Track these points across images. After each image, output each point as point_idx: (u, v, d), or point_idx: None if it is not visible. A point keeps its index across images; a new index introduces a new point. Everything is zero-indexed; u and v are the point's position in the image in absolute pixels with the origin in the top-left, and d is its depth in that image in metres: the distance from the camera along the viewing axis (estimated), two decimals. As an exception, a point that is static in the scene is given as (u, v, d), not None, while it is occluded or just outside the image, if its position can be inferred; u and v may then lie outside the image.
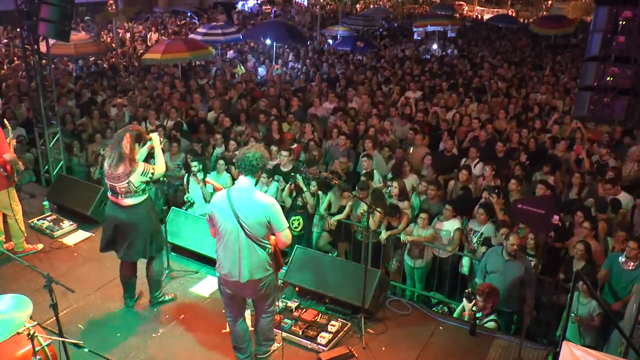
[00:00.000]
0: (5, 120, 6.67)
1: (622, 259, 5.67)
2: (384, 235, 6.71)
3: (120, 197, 4.96)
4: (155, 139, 5.22)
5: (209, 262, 6.29)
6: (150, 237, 5.14)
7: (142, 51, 17.74)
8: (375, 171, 7.91)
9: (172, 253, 6.37)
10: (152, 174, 5.00)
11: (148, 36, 21.79)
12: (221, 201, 4.27)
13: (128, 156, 4.85)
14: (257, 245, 4.21)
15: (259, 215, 4.16)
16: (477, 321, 5.51)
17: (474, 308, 5.60)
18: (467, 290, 5.87)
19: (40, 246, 6.57)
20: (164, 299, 5.55)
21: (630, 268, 5.58)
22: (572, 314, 5.31)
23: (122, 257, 5.26)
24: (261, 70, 16.14)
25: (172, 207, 6.19)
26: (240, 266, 4.23)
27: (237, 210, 4.16)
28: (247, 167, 4.19)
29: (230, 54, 18.80)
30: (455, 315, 6.02)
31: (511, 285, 5.67)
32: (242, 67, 15.99)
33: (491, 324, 5.52)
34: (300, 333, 5.11)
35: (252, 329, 4.76)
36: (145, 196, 5.09)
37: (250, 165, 4.18)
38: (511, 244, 5.69)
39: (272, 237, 4.35)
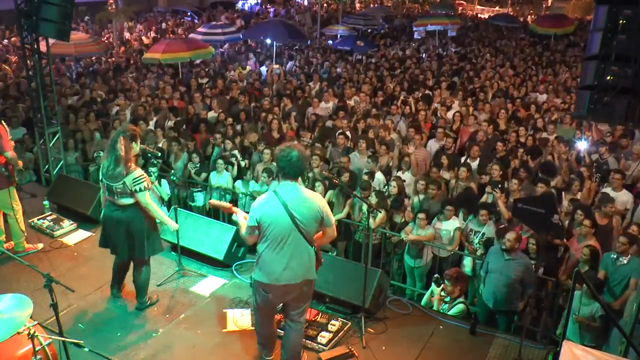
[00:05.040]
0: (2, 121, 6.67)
1: (613, 255, 5.71)
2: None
3: (116, 197, 5.01)
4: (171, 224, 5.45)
5: (210, 261, 6.30)
6: (142, 238, 5.14)
7: (141, 49, 17.77)
8: (378, 172, 7.93)
9: (172, 252, 6.37)
10: (144, 189, 4.97)
11: (147, 35, 21.81)
12: (271, 204, 4.10)
13: (124, 158, 4.90)
14: (308, 244, 4.15)
15: (314, 210, 4.09)
16: (446, 305, 5.69)
17: (442, 293, 5.75)
18: (435, 276, 6.07)
19: (40, 246, 6.57)
20: (150, 303, 5.54)
21: (623, 263, 5.63)
22: (574, 315, 5.32)
23: (115, 254, 5.35)
24: (263, 70, 16.17)
25: (173, 207, 6.18)
26: (295, 267, 4.15)
27: (291, 209, 4.05)
28: (298, 172, 4.10)
29: (226, 49, 18.88)
30: (423, 302, 6.08)
31: (511, 285, 5.68)
32: (241, 68, 15.98)
33: (460, 307, 5.69)
34: (301, 332, 5.10)
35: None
36: None
37: (297, 168, 4.08)
38: (508, 240, 5.70)
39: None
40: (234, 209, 4.49)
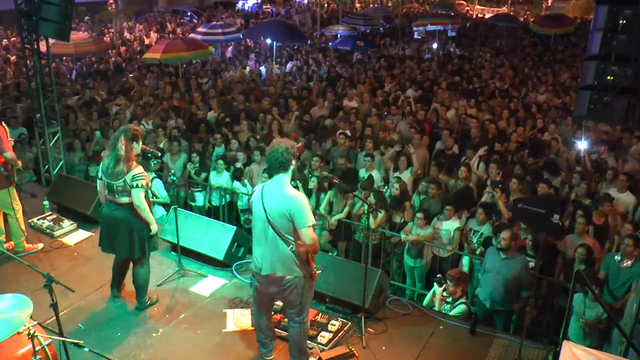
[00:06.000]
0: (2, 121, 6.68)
1: (617, 257, 5.68)
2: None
3: (116, 196, 5.03)
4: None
5: (210, 261, 6.30)
6: (141, 237, 5.15)
7: (140, 49, 17.79)
8: (375, 171, 7.93)
9: (172, 252, 6.37)
10: (145, 186, 5.00)
11: (148, 35, 21.84)
12: (257, 194, 4.34)
13: (124, 158, 4.93)
14: (280, 240, 4.17)
15: (282, 207, 4.12)
16: (448, 305, 5.69)
17: (444, 293, 5.76)
18: (438, 276, 6.06)
19: (40, 246, 6.57)
20: (150, 303, 5.54)
21: (627, 265, 5.60)
22: (581, 319, 5.31)
23: (115, 254, 5.36)
24: (263, 70, 16.18)
25: (173, 207, 6.18)
26: (264, 259, 4.26)
27: (264, 202, 4.18)
28: (278, 165, 4.17)
29: (230, 50, 18.90)
30: (425, 302, 6.09)
31: (508, 284, 5.68)
32: (242, 67, 15.99)
33: (462, 307, 5.70)
34: (301, 332, 5.10)
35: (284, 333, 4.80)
36: None
37: (279, 163, 4.16)
38: (503, 239, 5.70)
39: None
40: None
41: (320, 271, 4.44)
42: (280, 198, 4.16)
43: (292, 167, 4.25)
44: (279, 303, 4.99)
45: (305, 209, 4.14)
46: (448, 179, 7.91)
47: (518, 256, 5.82)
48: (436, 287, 5.98)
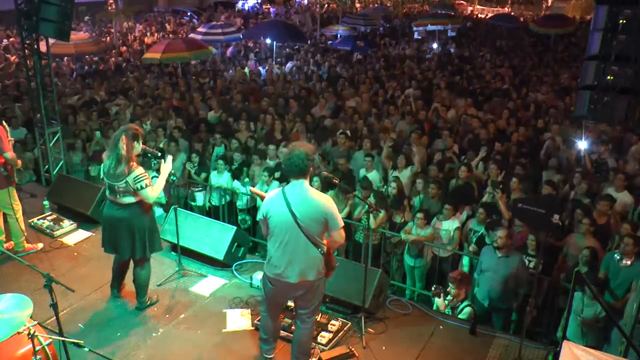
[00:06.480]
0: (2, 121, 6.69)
1: (617, 256, 5.67)
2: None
3: (118, 197, 5.02)
4: (165, 168, 5.30)
5: (210, 261, 6.31)
6: (143, 237, 5.15)
7: (140, 49, 17.81)
8: (374, 171, 7.93)
9: (172, 252, 6.37)
10: (146, 186, 4.98)
11: (152, 33, 21.87)
12: (276, 200, 4.18)
13: (125, 157, 4.92)
14: (312, 244, 4.12)
15: (316, 212, 4.07)
16: (451, 310, 5.67)
17: (447, 298, 5.75)
18: (433, 287, 5.99)
19: (40, 245, 6.57)
20: (150, 302, 5.54)
21: (626, 265, 5.59)
22: (579, 317, 5.31)
23: (117, 254, 5.35)
24: (262, 70, 16.19)
25: (173, 207, 6.18)
26: (294, 266, 4.16)
27: (293, 208, 4.08)
28: (297, 171, 4.08)
29: (230, 50, 18.91)
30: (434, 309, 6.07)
31: (505, 283, 5.68)
32: (240, 67, 15.99)
33: (467, 309, 5.65)
34: (301, 332, 5.10)
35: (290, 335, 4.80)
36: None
37: (299, 169, 4.07)
38: (500, 237, 5.69)
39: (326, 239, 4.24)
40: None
41: (338, 264, 4.45)
42: (311, 203, 4.09)
43: (309, 173, 4.19)
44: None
45: (337, 211, 4.16)
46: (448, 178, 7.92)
47: (514, 254, 5.82)
48: (436, 300, 5.94)
